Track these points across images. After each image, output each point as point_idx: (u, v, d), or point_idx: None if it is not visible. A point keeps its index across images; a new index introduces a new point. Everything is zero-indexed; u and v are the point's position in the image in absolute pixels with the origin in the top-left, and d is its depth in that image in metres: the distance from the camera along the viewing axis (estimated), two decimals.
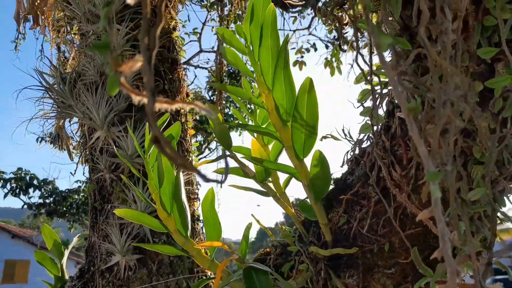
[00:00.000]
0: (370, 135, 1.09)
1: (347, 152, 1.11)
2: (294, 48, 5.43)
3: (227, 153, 1.10)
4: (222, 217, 1.30)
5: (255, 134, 1.10)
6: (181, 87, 1.81)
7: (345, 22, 0.77)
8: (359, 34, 0.75)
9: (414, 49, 0.56)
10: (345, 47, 3.37)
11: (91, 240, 1.56)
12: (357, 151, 1.11)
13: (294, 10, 5.24)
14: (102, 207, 1.53)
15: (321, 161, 0.87)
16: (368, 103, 0.84)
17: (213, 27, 5.90)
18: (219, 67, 4.44)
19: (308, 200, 0.99)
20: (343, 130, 1.12)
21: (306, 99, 0.83)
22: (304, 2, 4.28)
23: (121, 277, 1.42)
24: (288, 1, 3.64)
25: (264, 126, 1.16)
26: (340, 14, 0.78)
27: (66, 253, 1.63)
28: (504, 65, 0.63)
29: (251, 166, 1.10)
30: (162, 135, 0.34)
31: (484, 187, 0.72)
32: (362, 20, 0.60)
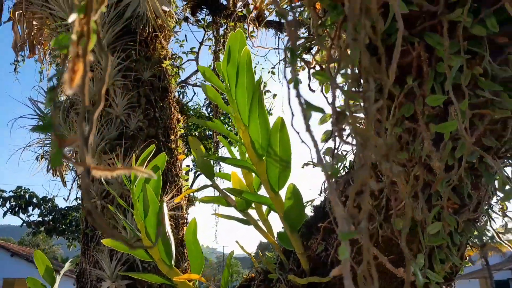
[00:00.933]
0: (346, 165, 1.14)
1: (324, 182, 1.16)
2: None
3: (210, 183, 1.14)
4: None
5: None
6: (171, 113, 1.87)
7: (312, 66, 0.83)
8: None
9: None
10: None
11: (82, 266, 1.59)
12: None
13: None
14: (93, 233, 1.57)
15: (295, 194, 0.92)
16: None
17: (210, 47, 6.01)
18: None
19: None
20: (324, 157, 1.16)
21: (278, 137, 0.87)
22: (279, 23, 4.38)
23: None
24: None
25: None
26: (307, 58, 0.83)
27: (58, 278, 1.66)
28: (454, 109, 0.68)
29: (233, 196, 1.14)
30: (94, 208, 0.38)
31: (441, 222, 0.76)
32: (318, 72, 0.66)
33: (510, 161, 0.81)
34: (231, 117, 1.11)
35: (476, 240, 1.02)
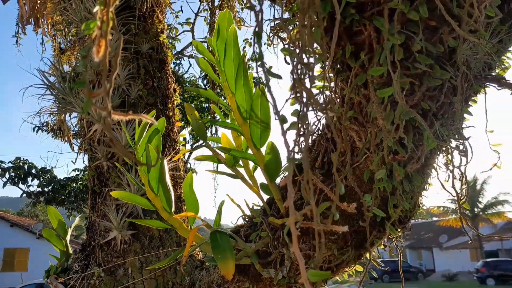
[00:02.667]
0: (320, 129, 1.32)
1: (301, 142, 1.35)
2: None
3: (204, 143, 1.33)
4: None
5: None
6: (168, 83, 2.03)
7: (286, 42, 0.99)
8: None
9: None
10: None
11: (91, 220, 1.80)
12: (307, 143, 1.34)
13: None
14: (100, 190, 1.77)
15: (273, 150, 1.10)
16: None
17: (205, 18, 6.07)
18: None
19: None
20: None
21: (259, 102, 1.05)
22: None
23: (118, 250, 1.66)
24: None
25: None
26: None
27: (69, 231, 1.87)
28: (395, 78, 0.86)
29: (223, 154, 1.33)
30: (114, 137, 0.56)
31: (384, 169, 0.96)
32: (284, 48, 0.83)
33: (446, 121, 0.99)
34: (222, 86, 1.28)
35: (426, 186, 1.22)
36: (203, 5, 6.07)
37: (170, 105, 1.98)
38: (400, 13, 0.82)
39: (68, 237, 1.84)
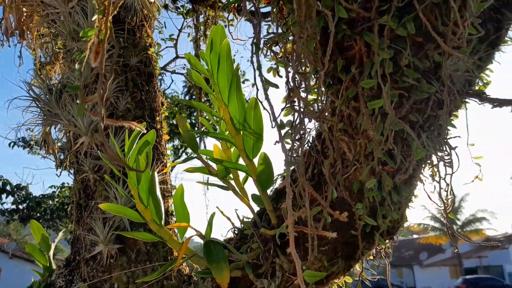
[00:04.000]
0: (309, 140, 1.35)
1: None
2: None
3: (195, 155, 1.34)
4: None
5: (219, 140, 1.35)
6: (156, 97, 2.04)
7: (279, 56, 1.03)
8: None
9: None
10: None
11: (76, 234, 1.76)
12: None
13: (267, 19, 5.53)
14: (87, 204, 1.74)
15: (265, 160, 1.12)
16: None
17: (189, 34, 6.12)
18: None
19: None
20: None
21: (252, 114, 1.07)
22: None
23: (104, 264, 1.63)
24: None
25: (226, 133, 1.41)
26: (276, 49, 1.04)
27: (53, 246, 1.83)
28: (385, 91, 0.90)
29: (214, 166, 1.34)
30: (106, 141, 0.57)
31: (374, 179, 0.99)
32: (279, 60, 0.86)
33: (431, 133, 1.03)
34: (211, 99, 1.30)
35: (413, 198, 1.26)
36: (186, 21, 6.14)
37: (158, 118, 1.99)
38: (389, 29, 0.86)
39: (51, 252, 1.80)
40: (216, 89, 1.14)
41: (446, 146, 1.02)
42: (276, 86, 0.59)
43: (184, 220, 1.27)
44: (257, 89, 0.70)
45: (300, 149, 0.62)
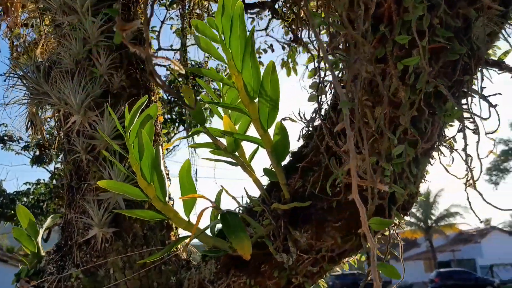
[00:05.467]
0: (321, 115, 1.30)
1: (302, 129, 1.32)
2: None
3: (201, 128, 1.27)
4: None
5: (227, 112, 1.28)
6: None
7: (301, 16, 0.97)
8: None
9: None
10: (300, 49, 3.64)
11: (67, 218, 1.66)
12: (309, 128, 1.31)
13: (252, 11, 5.46)
14: (79, 185, 1.64)
15: (282, 130, 1.06)
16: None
17: (172, 26, 5.99)
18: (185, 64, 4.59)
19: (269, 166, 1.18)
20: (298, 113, 1.32)
21: (270, 79, 1.01)
22: (261, 3, 4.53)
23: (98, 249, 1.54)
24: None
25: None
26: (296, 11, 0.97)
27: (41, 231, 1.72)
28: (417, 51, 0.85)
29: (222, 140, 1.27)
30: (155, 71, 0.51)
31: (402, 145, 0.94)
32: (313, 12, 0.80)
33: (457, 100, 1.00)
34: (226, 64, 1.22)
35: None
36: (169, 13, 6.01)
37: (153, 98, 1.90)
38: None
39: (39, 238, 1.69)
40: (228, 55, 1.08)
41: (471, 113, 0.98)
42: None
43: (191, 193, 1.20)
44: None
45: (354, 89, 0.56)
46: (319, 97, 1.02)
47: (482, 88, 0.94)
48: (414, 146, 1.05)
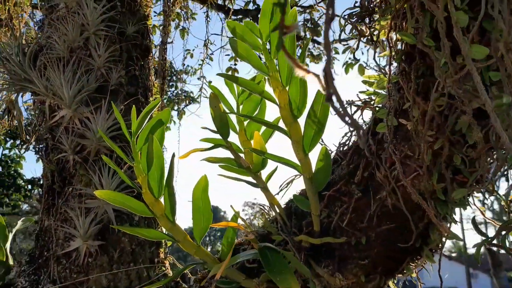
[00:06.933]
0: (352, 139, 1.21)
1: (330, 154, 1.21)
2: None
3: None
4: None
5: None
6: (150, 75, 1.79)
7: (366, 34, 0.87)
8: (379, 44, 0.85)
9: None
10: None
11: (43, 224, 1.46)
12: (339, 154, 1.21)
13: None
14: (62, 189, 1.45)
15: (326, 157, 0.96)
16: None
17: (154, 25, 5.74)
18: (163, 64, 4.37)
19: (298, 193, 1.07)
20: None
21: (322, 98, 0.91)
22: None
23: (80, 264, 1.35)
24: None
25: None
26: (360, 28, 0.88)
27: (10, 236, 1.51)
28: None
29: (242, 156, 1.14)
30: (337, 92, 0.39)
31: (464, 189, 0.86)
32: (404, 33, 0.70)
33: None
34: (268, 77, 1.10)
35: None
36: (151, 8, 5.78)
37: (151, 99, 1.74)
38: None
39: (8, 245, 1.47)
40: (273, 66, 0.96)
41: None
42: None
43: (207, 219, 1.06)
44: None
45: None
46: (388, 127, 0.92)
47: None
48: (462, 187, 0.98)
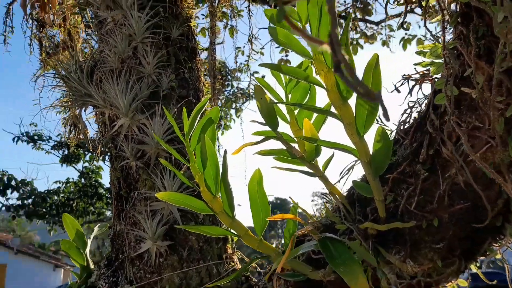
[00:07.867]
0: (414, 116, 1.12)
1: (390, 134, 1.14)
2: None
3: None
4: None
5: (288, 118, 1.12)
6: (199, 76, 1.81)
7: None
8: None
9: None
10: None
11: (116, 229, 1.54)
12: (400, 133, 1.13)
13: None
14: (128, 194, 1.52)
15: (384, 137, 0.89)
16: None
17: (202, 28, 5.84)
18: (212, 64, 4.43)
19: (359, 178, 1.01)
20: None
21: (372, 75, 0.84)
22: None
23: (152, 264, 1.41)
24: None
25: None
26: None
27: (89, 242, 1.61)
28: None
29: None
30: (345, 60, 0.35)
31: None
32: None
33: None
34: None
35: None
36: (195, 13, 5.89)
37: (203, 99, 1.75)
38: None
39: (87, 250, 1.58)
40: (315, 49, 0.91)
41: None
42: None
43: (265, 212, 1.05)
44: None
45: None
46: (448, 97, 0.84)
47: None
48: None
